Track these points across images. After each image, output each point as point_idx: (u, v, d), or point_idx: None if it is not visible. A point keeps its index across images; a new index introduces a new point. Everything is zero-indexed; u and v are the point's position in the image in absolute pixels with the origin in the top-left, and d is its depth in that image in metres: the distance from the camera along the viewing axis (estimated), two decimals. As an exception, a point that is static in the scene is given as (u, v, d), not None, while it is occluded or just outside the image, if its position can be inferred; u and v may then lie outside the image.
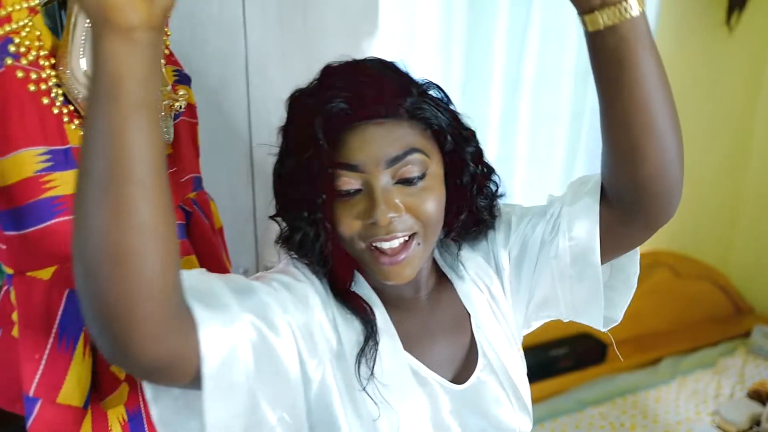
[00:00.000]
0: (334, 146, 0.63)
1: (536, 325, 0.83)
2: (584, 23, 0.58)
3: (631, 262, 0.75)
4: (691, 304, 2.27)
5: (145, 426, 0.87)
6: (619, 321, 0.78)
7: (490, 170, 0.76)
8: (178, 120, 0.93)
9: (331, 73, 0.69)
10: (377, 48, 1.37)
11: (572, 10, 0.59)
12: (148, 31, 0.44)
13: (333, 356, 0.68)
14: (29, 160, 0.69)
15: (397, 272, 0.66)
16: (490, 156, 1.90)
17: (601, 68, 0.60)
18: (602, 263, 0.71)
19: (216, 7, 1.19)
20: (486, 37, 1.78)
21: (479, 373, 0.73)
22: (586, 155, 2.09)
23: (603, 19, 0.56)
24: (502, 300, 0.78)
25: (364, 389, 0.67)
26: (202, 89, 1.09)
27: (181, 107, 0.88)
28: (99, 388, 0.74)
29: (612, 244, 0.71)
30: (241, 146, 1.29)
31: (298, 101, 0.70)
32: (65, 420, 0.70)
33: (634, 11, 0.55)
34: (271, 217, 0.74)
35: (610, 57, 0.58)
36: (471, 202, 0.74)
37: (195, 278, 0.57)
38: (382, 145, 0.64)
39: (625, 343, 2.11)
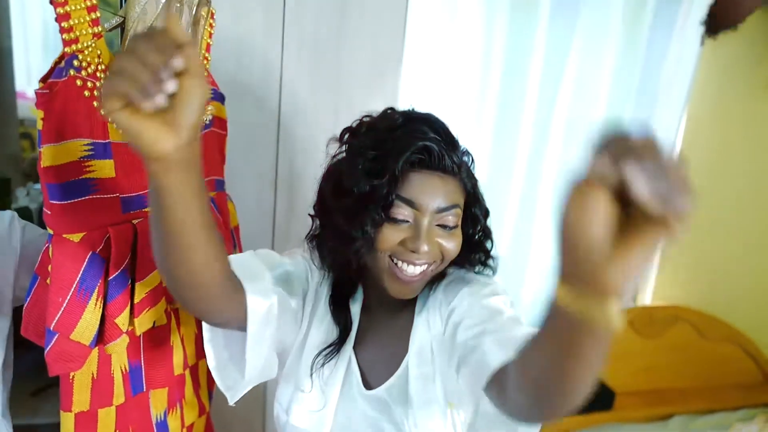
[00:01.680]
0: (403, 181, 0.78)
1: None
2: (555, 294, 0.46)
3: None
4: (713, 366, 2.20)
5: (143, 379, 1.03)
6: None
7: (489, 231, 0.90)
8: (207, 130, 1.12)
9: (410, 118, 0.81)
10: (403, 85, 1.52)
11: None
12: (179, 151, 0.51)
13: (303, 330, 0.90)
14: (77, 148, 0.85)
15: (406, 291, 0.82)
16: (516, 197, 2.01)
17: (547, 340, 0.51)
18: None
19: (259, 41, 1.39)
20: (519, 85, 1.85)
21: (385, 388, 0.84)
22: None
23: (578, 305, 0.44)
24: (439, 348, 0.84)
25: (310, 375, 0.85)
26: (239, 110, 1.28)
27: (206, 120, 1.07)
28: (104, 335, 0.91)
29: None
30: (269, 158, 1.47)
31: (375, 133, 0.81)
32: (75, 352, 0.87)
33: (614, 325, 0.43)
34: (311, 215, 0.90)
35: (561, 339, 0.48)
36: (471, 251, 0.88)
37: (242, 261, 0.81)
38: (437, 195, 0.79)
39: (637, 395, 2.09)
